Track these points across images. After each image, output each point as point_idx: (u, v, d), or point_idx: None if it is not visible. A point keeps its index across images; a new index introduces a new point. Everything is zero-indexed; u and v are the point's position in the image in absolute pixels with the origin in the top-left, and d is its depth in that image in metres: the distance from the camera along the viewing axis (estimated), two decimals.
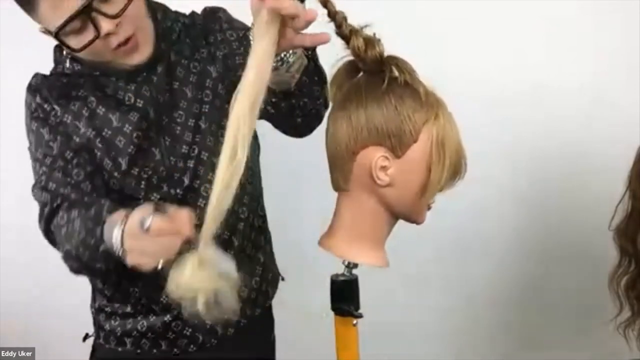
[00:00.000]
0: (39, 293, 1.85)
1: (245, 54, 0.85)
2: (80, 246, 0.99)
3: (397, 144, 0.91)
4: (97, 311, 1.24)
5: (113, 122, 1.11)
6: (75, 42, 1.02)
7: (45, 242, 1.11)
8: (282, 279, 1.37)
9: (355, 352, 1.01)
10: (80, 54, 1.04)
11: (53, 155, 1.10)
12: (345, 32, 0.89)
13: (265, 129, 1.14)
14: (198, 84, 1.15)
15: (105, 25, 1.00)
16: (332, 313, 1.01)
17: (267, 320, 1.36)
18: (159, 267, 0.89)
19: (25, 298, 1.90)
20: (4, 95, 1.74)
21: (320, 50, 0.98)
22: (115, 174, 1.11)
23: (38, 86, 1.12)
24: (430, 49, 1.56)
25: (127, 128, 1.11)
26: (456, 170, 0.95)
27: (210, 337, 1.20)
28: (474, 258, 1.83)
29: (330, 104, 0.99)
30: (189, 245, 0.87)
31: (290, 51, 0.93)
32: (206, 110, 1.15)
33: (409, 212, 0.97)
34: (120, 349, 1.21)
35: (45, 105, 1.11)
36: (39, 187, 1.10)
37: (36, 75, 1.15)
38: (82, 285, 1.24)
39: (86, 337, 1.28)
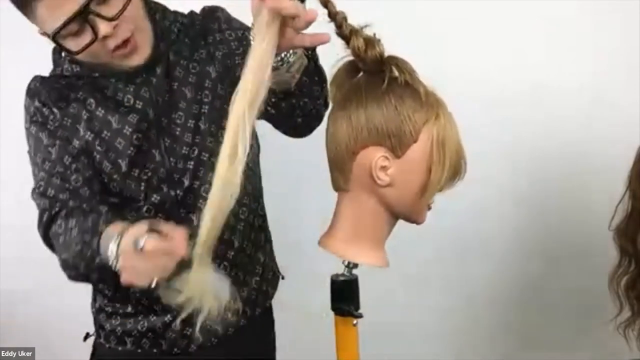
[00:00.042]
0: (39, 293, 1.85)
1: (244, 53, 0.85)
2: (77, 257, 1.00)
3: (397, 144, 0.91)
4: (97, 311, 1.24)
5: (112, 123, 1.11)
6: (73, 44, 1.02)
7: None
8: (282, 278, 1.38)
9: (355, 352, 1.01)
10: (79, 56, 1.04)
11: (52, 160, 1.10)
12: (346, 33, 0.89)
13: (265, 129, 1.14)
14: (197, 85, 1.15)
15: (103, 27, 0.99)
16: (332, 313, 1.01)
17: (267, 320, 1.36)
18: (153, 285, 0.89)
19: (25, 298, 1.90)
20: (4, 95, 1.74)
21: (321, 50, 0.98)
22: (115, 176, 1.11)
23: (37, 89, 1.12)
24: (430, 49, 1.56)
25: (127, 130, 1.10)
26: (456, 171, 0.95)
27: (211, 337, 1.20)
28: (474, 258, 1.83)
29: (330, 104, 0.99)
30: (183, 264, 0.88)
31: (291, 51, 0.93)
32: (205, 111, 1.15)
33: (409, 212, 0.97)
34: (120, 349, 1.21)
35: (44, 110, 1.11)
36: (38, 193, 1.10)
37: (35, 78, 1.15)
38: (82, 285, 1.23)
39: (87, 336, 1.28)
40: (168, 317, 1.17)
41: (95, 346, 1.27)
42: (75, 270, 1.02)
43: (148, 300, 1.17)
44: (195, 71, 1.16)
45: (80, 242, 0.99)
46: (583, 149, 1.72)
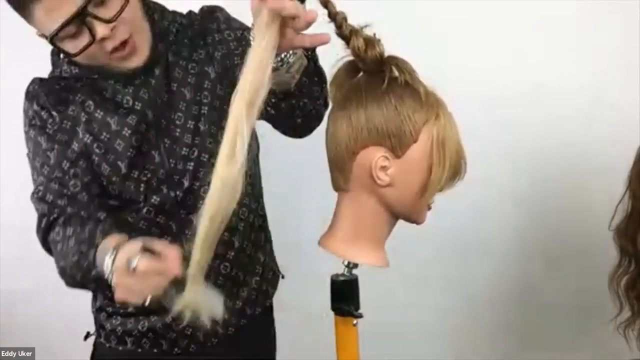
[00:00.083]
0: (39, 293, 1.85)
1: (243, 54, 0.85)
2: (73, 267, 1.01)
3: (397, 144, 0.91)
4: (97, 310, 1.24)
5: (111, 125, 1.11)
6: (70, 46, 1.02)
7: None
8: (282, 277, 1.38)
9: (355, 352, 1.01)
10: (77, 58, 1.03)
11: (50, 164, 1.10)
12: (346, 33, 0.89)
13: (265, 129, 1.14)
14: (196, 85, 1.15)
15: (101, 29, 0.99)
16: (332, 313, 1.01)
17: (267, 320, 1.37)
18: (147, 303, 0.90)
19: (25, 298, 1.90)
20: (4, 95, 1.74)
21: (320, 51, 0.98)
22: (114, 178, 1.11)
23: (35, 93, 1.12)
24: (430, 49, 1.56)
25: (126, 131, 1.10)
26: (456, 171, 0.95)
27: (211, 336, 1.20)
28: (474, 258, 1.83)
29: (330, 104, 0.99)
30: (177, 282, 0.88)
31: (290, 52, 0.93)
32: (205, 111, 1.15)
33: (409, 212, 0.97)
34: (121, 348, 1.21)
35: (43, 113, 1.11)
36: (37, 198, 1.10)
37: (33, 81, 1.14)
38: None
39: (87, 335, 1.28)
40: (168, 318, 1.17)
41: (95, 346, 1.27)
42: (72, 279, 1.04)
43: None
44: (194, 72, 1.16)
45: (77, 252, 1.00)
46: (583, 149, 1.72)
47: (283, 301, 1.39)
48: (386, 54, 0.92)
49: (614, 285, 1.17)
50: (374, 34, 0.91)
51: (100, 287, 1.00)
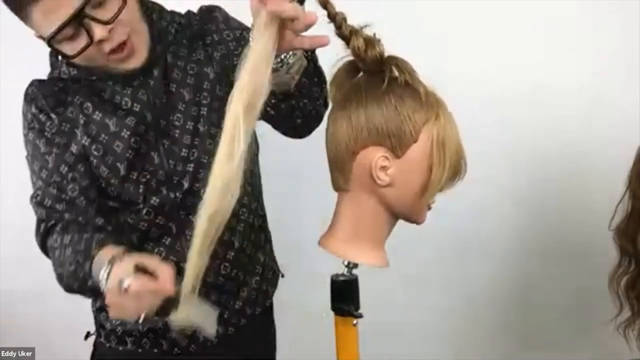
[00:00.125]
0: (39, 293, 1.85)
1: (242, 54, 0.85)
2: (70, 277, 1.02)
3: (397, 144, 0.91)
4: (98, 310, 1.24)
5: (110, 127, 1.10)
6: (68, 48, 1.01)
7: None
8: (282, 276, 1.38)
9: (355, 352, 1.01)
10: (75, 60, 1.03)
11: (49, 168, 1.10)
12: (345, 33, 0.89)
13: (265, 129, 1.14)
14: (195, 86, 1.15)
15: (98, 31, 0.99)
16: (332, 313, 1.00)
17: (267, 319, 1.37)
18: (140, 320, 0.91)
19: (25, 298, 1.90)
20: (4, 95, 1.74)
21: (320, 51, 0.98)
22: (113, 180, 1.11)
23: (34, 95, 1.12)
24: (430, 49, 1.56)
25: (125, 133, 1.10)
26: (456, 171, 0.95)
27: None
28: (474, 258, 1.83)
29: (330, 104, 0.99)
30: (170, 300, 0.89)
31: (290, 53, 0.93)
32: (204, 112, 1.15)
33: (409, 212, 0.97)
34: (121, 348, 1.21)
35: (41, 116, 1.11)
36: (35, 202, 1.11)
37: (32, 83, 1.14)
38: None
39: (87, 335, 1.28)
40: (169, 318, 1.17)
41: (95, 345, 1.27)
42: (69, 287, 1.05)
43: None
44: (193, 72, 1.15)
45: (74, 262, 1.01)
46: (583, 149, 1.72)
47: (283, 301, 1.39)
48: (386, 54, 0.92)
49: (614, 285, 1.17)
50: (374, 34, 0.91)
51: (97, 295, 1.01)
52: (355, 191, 0.95)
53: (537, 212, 1.79)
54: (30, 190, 1.12)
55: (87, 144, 1.10)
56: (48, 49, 1.14)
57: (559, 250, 1.79)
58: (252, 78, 0.81)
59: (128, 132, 1.10)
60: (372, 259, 0.98)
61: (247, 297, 1.25)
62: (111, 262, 0.92)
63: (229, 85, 0.84)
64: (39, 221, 1.11)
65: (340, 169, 0.95)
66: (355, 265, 0.99)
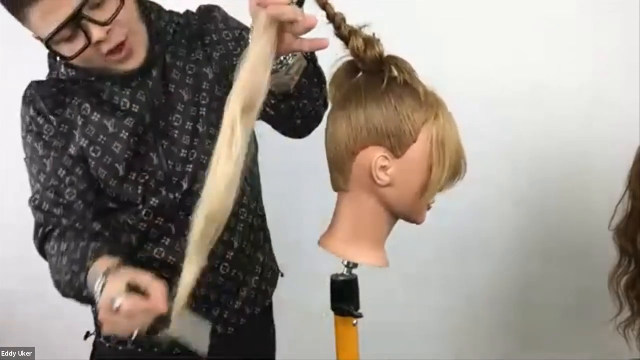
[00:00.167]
0: (39, 293, 1.85)
1: (242, 54, 0.85)
2: (66, 286, 1.03)
3: (396, 144, 0.91)
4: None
5: (109, 128, 1.10)
6: (66, 50, 1.01)
7: None
8: (282, 276, 1.38)
9: (355, 352, 1.01)
10: (73, 61, 1.03)
11: (47, 172, 1.10)
12: (345, 33, 0.89)
13: (265, 129, 1.14)
14: (195, 87, 1.15)
15: (96, 32, 0.99)
16: (332, 313, 1.00)
17: (267, 319, 1.37)
18: (133, 338, 0.92)
19: (25, 298, 1.90)
20: (4, 96, 1.74)
21: (320, 51, 0.98)
22: (111, 181, 1.11)
23: (32, 97, 1.12)
24: (430, 49, 1.56)
25: (124, 134, 1.10)
26: (456, 171, 0.95)
27: (211, 336, 1.20)
28: (474, 258, 1.83)
29: (330, 104, 0.98)
30: (163, 318, 0.90)
31: (290, 54, 0.93)
32: (204, 113, 1.14)
33: (409, 212, 0.97)
34: (121, 348, 1.21)
35: (39, 119, 1.11)
36: (34, 206, 1.11)
37: (30, 85, 1.14)
38: None
39: (87, 335, 1.28)
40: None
41: (95, 345, 1.27)
42: (66, 294, 1.06)
43: None
44: (192, 73, 1.15)
45: (70, 272, 1.01)
46: (583, 149, 1.72)
47: (283, 301, 1.39)
48: (386, 54, 0.91)
49: (614, 285, 1.16)
50: (374, 34, 0.91)
51: (93, 304, 1.02)
52: (355, 191, 0.95)
53: (537, 212, 1.79)
54: (30, 191, 1.12)
55: (85, 145, 1.10)
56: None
57: (559, 250, 1.79)
58: (251, 79, 0.81)
59: (127, 133, 1.10)
60: (372, 259, 0.98)
61: (247, 297, 1.25)
62: (106, 274, 0.93)
63: (228, 85, 0.84)
64: (37, 226, 1.11)
65: (340, 169, 0.95)
66: (355, 265, 0.99)
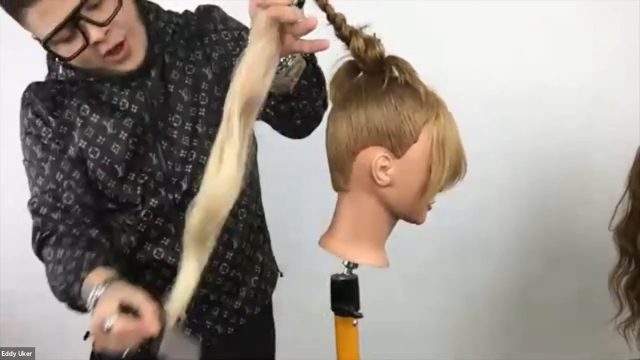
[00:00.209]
0: (39, 293, 1.85)
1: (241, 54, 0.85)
2: (62, 294, 1.03)
3: (397, 144, 0.91)
4: None
5: (107, 129, 1.10)
6: (64, 50, 1.01)
7: None
8: (281, 275, 1.38)
9: (355, 352, 1.01)
10: (71, 62, 1.03)
11: (45, 175, 1.10)
12: (345, 34, 0.89)
13: (264, 129, 1.14)
14: (194, 87, 1.14)
15: (94, 33, 0.99)
16: (332, 313, 1.00)
17: (266, 319, 1.37)
18: (124, 356, 0.92)
19: (25, 298, 1.90)
20: (4, 96, 1.73)
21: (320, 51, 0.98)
22: (110, 182, 1.11)
23: (31, 99, 1.12)
24: (430, 49, 1.56)
25: (123, 134, 1.10)
26: (456, 171, 0.95)
27: (211, 336, 1.20)
28: (474, 258, 1.83)
29: (330, 104, 0.98)
30: (154, 337, 0.90)
31: (289, 55, 0.93)
32: (203, 113, 1.14)
33: (409, 212, 0.97)
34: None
35: (37, 121, 1.10)
36: (32, 210, 1.11)
37: (29, 86, 1.14)
38: None
39: (87, 335, 1.28)
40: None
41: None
42: (62, 300, 1.06)
43: None
44: (191, 73, 1.15)
45: (65, 282, 1.01)
46: (583, 149, 1.72)
47: (283, 301, 1.39)
48: (386, 54, 0.91)
49: (614, 285, 1.17)
50: (374, 34, 0.91)
51: (87, 312, 1.01)
52: (355, 191, 0.95)
53: (537, 212, 1.79)
54: (29, 192, 1.12)
55: (84, 146, 1.10)
56: None
57: (559, 250, 1.80)
58: (247, 78, 0.81)
59: (126, 134, 1.10)
60: (372, 259, 0.98)
61: (246, 297, 1.25)
62: (98, 287, 0.93)
63: (228, 85, 0.83)
64: (35, 230, 1.11)
65: (340, 169, 0.95)
66: (355, 265, 0.99)
